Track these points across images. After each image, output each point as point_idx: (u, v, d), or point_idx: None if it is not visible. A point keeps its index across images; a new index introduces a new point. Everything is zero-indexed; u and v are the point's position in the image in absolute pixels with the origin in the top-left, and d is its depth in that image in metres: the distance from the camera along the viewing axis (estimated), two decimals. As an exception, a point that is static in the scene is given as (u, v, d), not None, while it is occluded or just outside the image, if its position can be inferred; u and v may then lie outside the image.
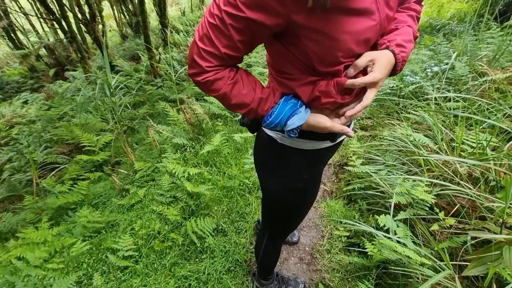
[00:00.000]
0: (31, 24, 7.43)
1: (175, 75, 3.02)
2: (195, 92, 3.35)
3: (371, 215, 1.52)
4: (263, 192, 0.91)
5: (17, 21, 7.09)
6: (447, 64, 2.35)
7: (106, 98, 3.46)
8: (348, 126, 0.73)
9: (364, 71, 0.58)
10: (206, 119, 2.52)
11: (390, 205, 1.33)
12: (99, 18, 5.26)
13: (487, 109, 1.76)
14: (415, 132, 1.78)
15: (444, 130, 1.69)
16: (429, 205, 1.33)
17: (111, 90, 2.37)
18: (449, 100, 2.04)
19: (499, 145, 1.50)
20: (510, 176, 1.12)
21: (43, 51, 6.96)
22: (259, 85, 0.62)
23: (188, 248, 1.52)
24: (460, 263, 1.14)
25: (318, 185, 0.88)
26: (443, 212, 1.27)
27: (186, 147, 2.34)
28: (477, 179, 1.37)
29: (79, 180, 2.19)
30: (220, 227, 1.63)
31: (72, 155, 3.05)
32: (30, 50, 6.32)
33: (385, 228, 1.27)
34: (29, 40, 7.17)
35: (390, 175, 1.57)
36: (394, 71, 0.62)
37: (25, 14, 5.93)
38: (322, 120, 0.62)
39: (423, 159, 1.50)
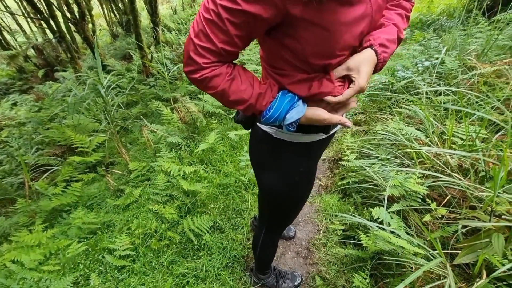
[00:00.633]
0: (18, 24, 7.25)
1: (168, 74, 2.99)
2: (189, 90, 3.33)
3: (365, 208, 1.55)
4: (260, 188, 0.92)
5: (3, 21, 6.90)
6: (437, 59, 2.39)
7: (98, 98, 3.41)
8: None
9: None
10: (200, 117, 2.51)
11: (384, 198, 1.35)
12: (88, 17, 5.17)
13: (476, 102, 1.80)
14: (407, 126, 1.81)
15: (435, 124, 1.73)
16: (421, 197, 1.36)
17: (104, 89, 2.35)
18: (440, 94, 2.08)
19: (487, 136, 1.54)
20: (499, 166, 1.15)
21: (31, 52, 6.80)
22: (256, 80, 0.62)
23: (185, 246, 1.53)
24: (451, 251, 1.18)
25: (314, 177, 0.89)
26: (435, 203, 1.30)
27: (181, 145, 2.33)
28: (467, 170, 1.40)
29: (73, 181, 2.16)
30: (217, 224, 1.64)
31: (65, 156, 3.00)
32: (17, 50, 6.17)
33: (379, 220, 1.30)
34: (16, 40, 6.99)
35: (383, 168, 1.60)
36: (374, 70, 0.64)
37: (12, 13, 5.78)
38: (320, 113, 0.63)
39: (415, 152, 1.54)
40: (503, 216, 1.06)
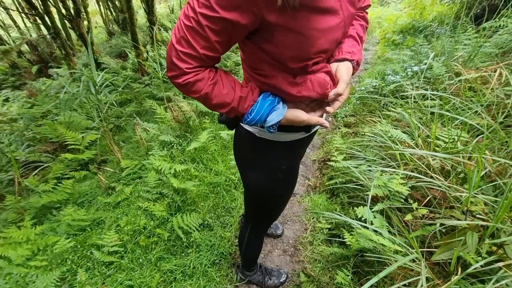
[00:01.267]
0: (12, 19, 7.15)
1: (162, 73, 3.01)
2: (183, 90, 3.34)
3: (351, 208, 1.59)
4: (245, 185, 0.95)
5: (-3, 16, 6.81)
6: (426, 64, 2.46)
7: (92, 96, 3.40)
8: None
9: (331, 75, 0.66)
10: (193, 116, 2.53)
11: (368, 198, 1.39)
12: (84, 14, 5.14)
13: (460, 107, 1.86)
14: (394, 128, 1.87)
15: (421, 127, 1.78)
16: (404, 197, 1.40)
17: (96, 87, 2.35)
18: (427, 99, 2.14)
19: (469, 140, 1.59)
20: (474, 167, 1.20)
21: (25, 48, 6.71)
22: (238, 84, 0.65)
23: (174, 243, 1.54)
24: (431, 250, 1.22)
25: (297, 174, 0.93)
26: (416, 203, 1.34)
27: (173, 144, 2.34)
28: (449, 172, 1.45)
29: (64, 179, 2.16)
30: (206, 222, 1.66)
31: (57, 153, 2.98)
32: (11, 46, 6.10)
33: (363, 219, 1.34)
34: (10, 35, 6.90)
35: (369, 169, 1.64)
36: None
37: (6, 8, 5.71)
38: (299, 114, 0.66)
39: (399, 153, 1.58)
40: (477, 215, 1.11)
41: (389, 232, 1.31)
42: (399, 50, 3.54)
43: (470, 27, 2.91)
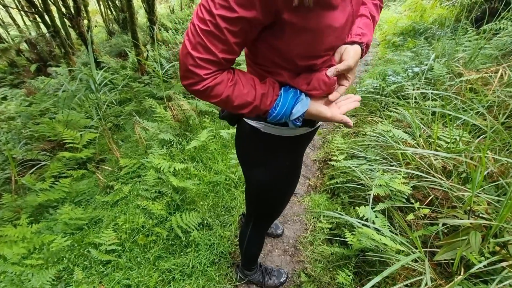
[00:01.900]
0: (12, 17, 7.13)
1: (162, 73, 2.99)
2: (183, 89, 3.33)
3: (352, 207, 1.57)
4: (248, 182, 0.93)
5: (-4, 14, 6.79)
6: (427, 65, 2.46)
7: (91, 94, 3.38)
8: None
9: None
10: (193, 115, 2.51)
11: (370, 197, 1.38)
12: (84, 12, 5.13)
13: (462, 107, 1.86)
14: (395, 128, 1.86)
15: (422, 127, 1.78)
16: (406, 196, 1.39)
17: (96, 85, 2.33)
18: (428, 99, 2.14)
19: (471, 140, 1.59)
20: (477, 167, 1.19)
21: (24, 46, 6.69)
22: (257, 81, 0.63)
23: (172, 242, 1.52)
24: (434, 250, 1.21)
25: (300, 170, 0.92)
26: (418, 202, 1.33)
27: (172, 143, 2.32)
28: (451, 172, 1.45)
29: (62, 177, 2.13)
30: (205, 221, 1.64)
31: (54, 152, 2.96)
32: (10, 44, 6.07)
33: (365, 218, 1.33)
34: (9, 33, 6.88)
35: (370, 168, 1.63)
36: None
37: (5, 6, 5.69)
38: (323, 110, 0.64)
39: (401, 153, 1.57)
40: (480, 215, 1.10)
41: (391, 232, 1.30)
42: (399, 51, 3.54)
43: (471, 29, 2.92)
